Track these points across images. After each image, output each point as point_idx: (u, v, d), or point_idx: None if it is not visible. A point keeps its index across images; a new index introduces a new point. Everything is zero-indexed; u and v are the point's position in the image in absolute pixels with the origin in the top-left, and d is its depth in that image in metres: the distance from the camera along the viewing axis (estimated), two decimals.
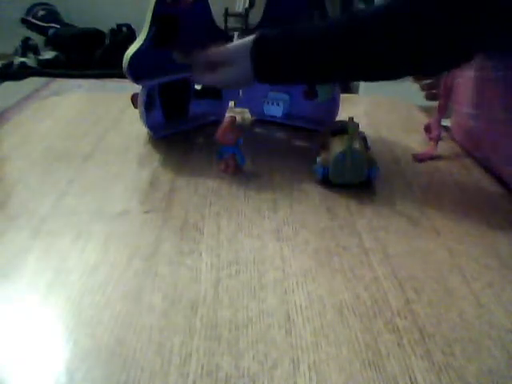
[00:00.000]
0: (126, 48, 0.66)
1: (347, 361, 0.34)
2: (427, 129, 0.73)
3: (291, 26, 0.59)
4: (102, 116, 0.80)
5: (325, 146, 0.61)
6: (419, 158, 0.66)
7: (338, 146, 0.57)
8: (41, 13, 3.42)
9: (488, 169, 0.63)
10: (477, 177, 0.62)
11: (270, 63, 0.59)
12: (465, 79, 0.64)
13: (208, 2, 0.72)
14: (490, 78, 0.58)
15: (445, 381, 0.32)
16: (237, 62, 0.60)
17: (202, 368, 0.33)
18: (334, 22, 0.59)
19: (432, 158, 0.66)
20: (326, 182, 0.58)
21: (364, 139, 0.62)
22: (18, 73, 3.07)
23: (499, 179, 0.61)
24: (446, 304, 0.40)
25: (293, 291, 0.41)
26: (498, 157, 0.61)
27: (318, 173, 0.58)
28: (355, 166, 0.57)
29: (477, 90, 0.61)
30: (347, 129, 0.57)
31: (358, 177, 0.57)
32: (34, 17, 3.40)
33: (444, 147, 0.69)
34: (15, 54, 3.24)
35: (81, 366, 0.33)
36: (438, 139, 0.68)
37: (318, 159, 0.59)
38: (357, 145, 0.57)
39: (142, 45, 0.65)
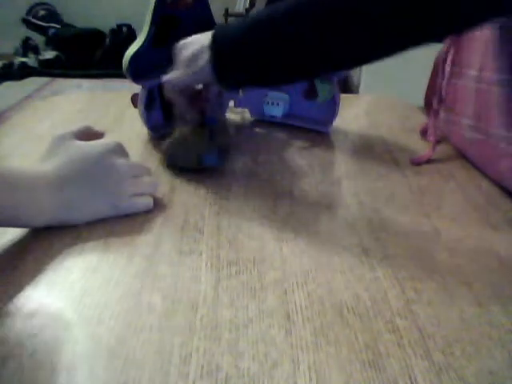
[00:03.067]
0: (126, 48, 0.66)
1: (347, 361, 0.34)
2: (423, 132, 0.73)
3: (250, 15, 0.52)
4: (102, 116, 0.80)
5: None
6: (416, 162, 0.65)
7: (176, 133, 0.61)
8: (41, 13, 3.42)
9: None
10: (477, 177, 0.62)
11: (234, 62, 0.51)
12: (464, 90, 0.62)
13: (208, 2, 0.72)
14: (492, 91, 0.57)
15: (445, 381, 0.33)
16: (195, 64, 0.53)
17: (202, 368, 0.33)
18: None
19: (429, 161, 0.66)
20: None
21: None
22: (19, 73, 3.07)
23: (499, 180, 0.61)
24: (446, 304, 0.40)
25: (293, 291, 0.41)
26: (497, 170, 0.59)
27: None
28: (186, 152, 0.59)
29: (477, 102, 0.60)
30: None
31: (191, 162, 0.59)
32: (34, 17, 3.40)
33: (444, 148, 0.69)
34: (16, 53, 3.25)
35: (81, 366, 0.33)
36: (435, 143, 0.67)
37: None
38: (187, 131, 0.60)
39: (142, 45, 0.65)
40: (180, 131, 0.61)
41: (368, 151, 0.69)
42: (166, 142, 0.62)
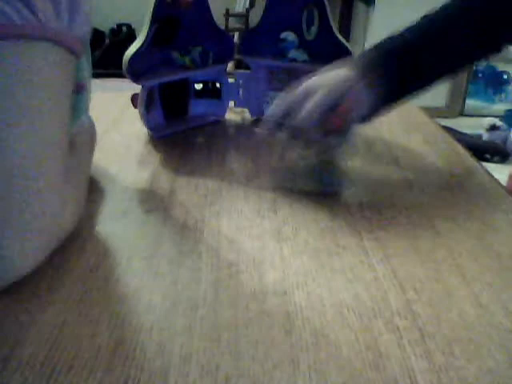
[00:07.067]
0: (126, 48, 0.66)
1: (347, 361, 0.34)
2: None
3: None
4: (102, 116, 0.80)
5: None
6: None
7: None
8: None
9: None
10: (477, 177, 0.62)
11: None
12: None
13: (208, 2, 0.72)
14: None
15: (445, 381, 0.32)
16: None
17: (202, 368, 0.33)
18: None
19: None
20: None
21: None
22: None
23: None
24: (445, 304, 0.40)
25: (293, 291, 0.41)
26: None
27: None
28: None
29: None
30: None
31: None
32: None
33: (445, 148, 0.69)
34: None
35: (81, 367, 0.33)
36: None
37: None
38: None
39: (142, 45, 0.65)
40: (319, 155, 0.58)
41: (368, 151, 0.69)
42: (307, 167, 0.59)
